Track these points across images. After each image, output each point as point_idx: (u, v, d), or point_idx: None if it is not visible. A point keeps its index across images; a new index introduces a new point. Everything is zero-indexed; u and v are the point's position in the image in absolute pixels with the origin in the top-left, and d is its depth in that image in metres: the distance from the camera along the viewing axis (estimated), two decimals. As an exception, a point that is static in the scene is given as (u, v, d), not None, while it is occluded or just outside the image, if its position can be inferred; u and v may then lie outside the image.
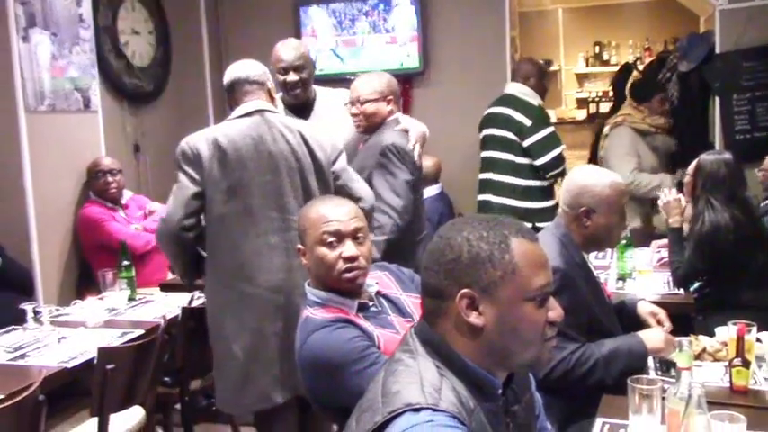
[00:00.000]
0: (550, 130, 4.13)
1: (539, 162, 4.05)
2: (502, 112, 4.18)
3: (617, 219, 2.30)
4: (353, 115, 3.05)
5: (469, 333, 1.27)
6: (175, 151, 2.58)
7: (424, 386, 1.21)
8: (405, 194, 2.90)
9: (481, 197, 4.27)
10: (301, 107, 3.18)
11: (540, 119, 4.14)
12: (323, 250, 1.94)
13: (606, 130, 4.61)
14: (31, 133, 3.69)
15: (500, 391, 1.33)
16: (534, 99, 4.18)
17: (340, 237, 1.94)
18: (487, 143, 4.26)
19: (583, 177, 2.32)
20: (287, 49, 3.12)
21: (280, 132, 2.63)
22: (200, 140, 2.56)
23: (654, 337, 2.22)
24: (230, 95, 2.70)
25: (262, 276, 2.56)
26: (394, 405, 1.19)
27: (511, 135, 4.11)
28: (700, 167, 3.15)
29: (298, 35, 4.97)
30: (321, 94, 3.26)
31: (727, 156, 3.17)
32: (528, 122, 4.07)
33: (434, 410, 1.17)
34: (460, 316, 1.26)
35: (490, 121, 4.25)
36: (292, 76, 3.10)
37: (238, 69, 2.71)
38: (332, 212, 1.97)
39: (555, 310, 1.31)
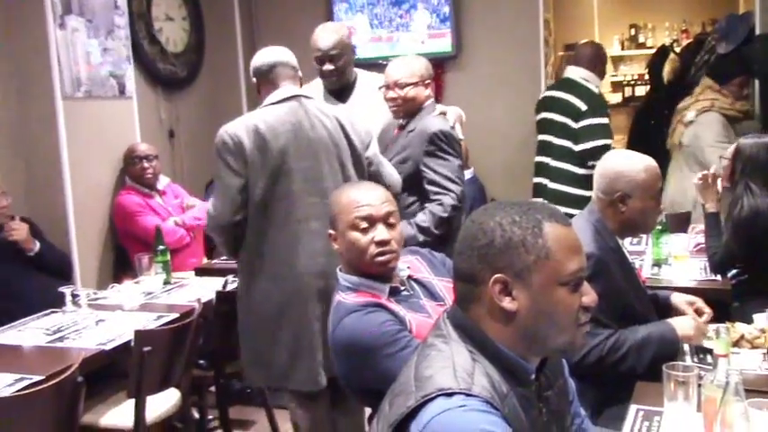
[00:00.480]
0: (604, 120, 3.97)
1: (579, 147, 3.91)
2: (562, 96, 4.07)
3: (653, 203, 2.27)
4: (391, 99, 3.04)
5: (502, 318, 1.27)
6: (215, 140, 2.58)
7: (456, 371, 1.21)
8: (460, 178, 2.97)
9: (536, 180, 4.19)
10: (341, 90, 3.20)
11: (598, 107, 4.00)
12: (355, 235, 1.94)
13: (691, 116, 4.29)
14: (68, 119, 3.74)
15: (533, 376, 1.32)
16: (595, 85, 4.06)
17: (372, 221, 1.94)
18: (544, 127, 4.16)
19: (617, 162, 2.29)
20: (324, 36, 3.11)
21: (317, 118, 2.63)
22: (239, 128, 2.55)
23: (684, 324, 2.20)
24: (265, 78, 2.67)
25: (303, 261, 2.58)
26: (426, 390, 1.19)
27: (569, 121, 3.99)
28: (739, 151, 3.08)
29: (330, 20, 4.96)
30: (363, 76, 3.26)
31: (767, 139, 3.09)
32: (584, 107, 3.94)
33: (467, 395, 1.17)
34: (493, 301, 1.26)
35: (548, 104, 4.16)
36: (327, 66, 3.12)
37: (279, 53, 2.70)
38: (363, 197, 1.97)
39: (589, 295, 1.30)
